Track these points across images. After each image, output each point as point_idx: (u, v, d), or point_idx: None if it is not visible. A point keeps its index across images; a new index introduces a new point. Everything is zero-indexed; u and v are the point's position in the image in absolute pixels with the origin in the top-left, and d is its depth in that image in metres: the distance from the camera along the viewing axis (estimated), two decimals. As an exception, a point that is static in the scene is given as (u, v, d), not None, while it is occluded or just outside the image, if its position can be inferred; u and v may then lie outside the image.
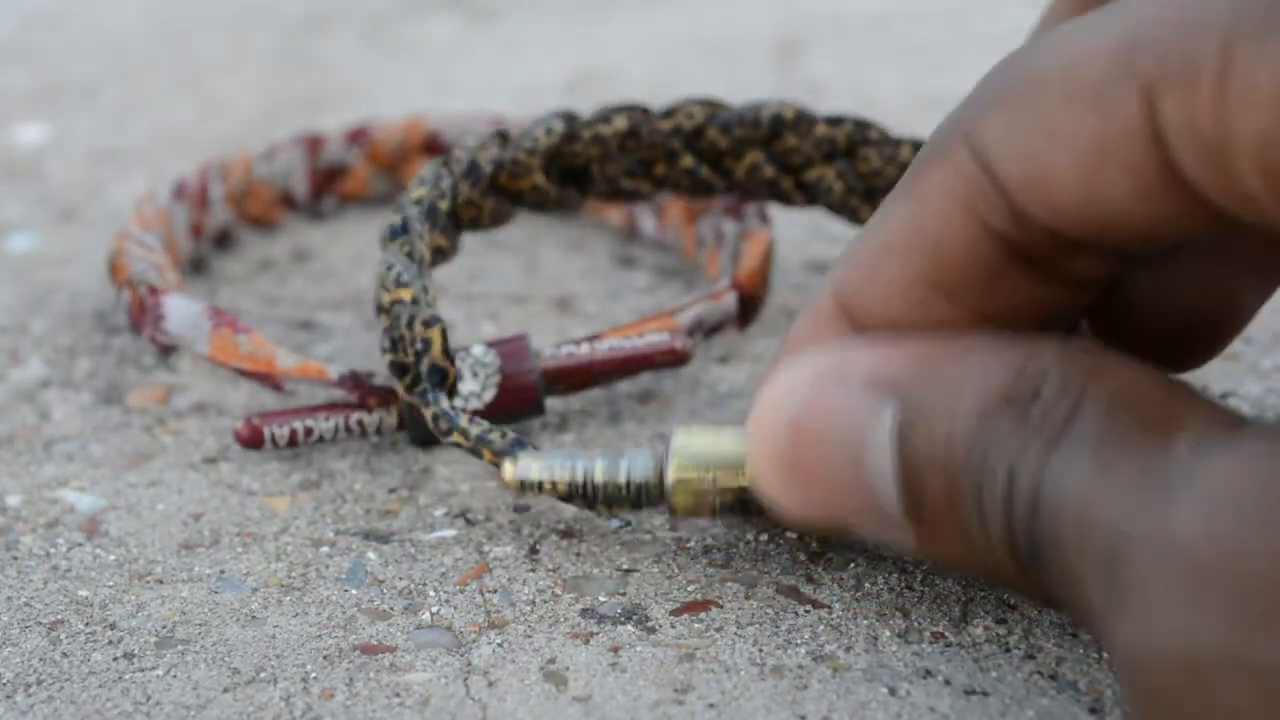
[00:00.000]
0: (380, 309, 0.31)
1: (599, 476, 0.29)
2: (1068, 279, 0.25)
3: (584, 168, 0.35)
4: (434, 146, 0.44)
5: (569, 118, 0.35)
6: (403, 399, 0.32)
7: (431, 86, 0.56)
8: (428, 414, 0.31)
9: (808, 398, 0.25)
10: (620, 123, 0.35)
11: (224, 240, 0.43)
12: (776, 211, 0.39)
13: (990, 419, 0.23)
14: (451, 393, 0.31)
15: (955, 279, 0.25)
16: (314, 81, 0.56)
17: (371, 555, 0.31)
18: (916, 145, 0.36)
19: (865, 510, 0.25)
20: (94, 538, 0.31)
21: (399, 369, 0.31)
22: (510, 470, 0.30)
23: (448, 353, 0.31)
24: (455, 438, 0.30)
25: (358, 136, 0.44)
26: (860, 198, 0.37)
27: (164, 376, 0.37)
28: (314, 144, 0.44)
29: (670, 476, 0.28)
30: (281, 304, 0.40)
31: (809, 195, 0.37)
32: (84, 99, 0.55)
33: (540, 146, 0.34)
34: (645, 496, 0.29)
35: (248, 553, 0.31)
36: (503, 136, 0.35)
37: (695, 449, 0.28)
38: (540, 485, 0.29)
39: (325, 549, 0.31)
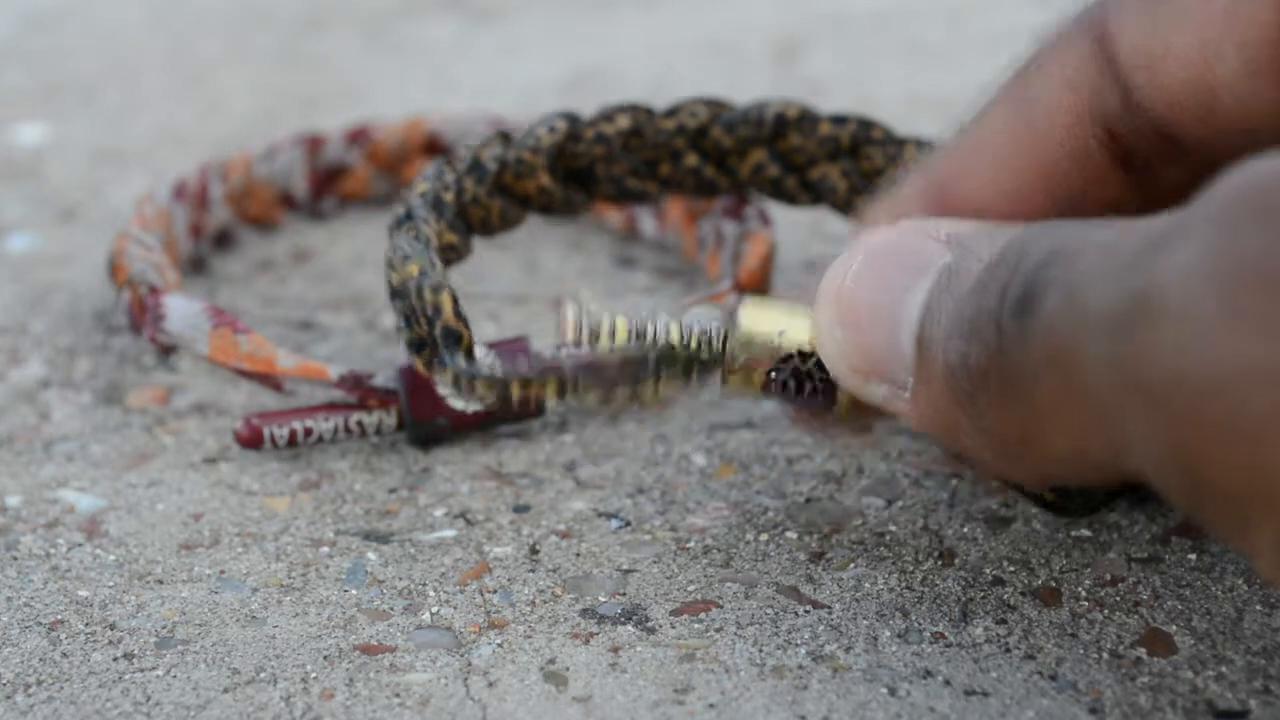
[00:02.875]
0: (393, 293, 0.31)
1: (661, 327, 0.28)
2: (1161, 191, 0.25)
3: (589, 168, 0.35)
4: (434, 147, 0.44)
5: (571, 117, 0.35)
6: (404, 404, 0.32)
7: (431, 86, 0.56)
8: (447, 377, 0.30)
9: (889, 237, 0.25)
10: (623, 122, 0.35)
11: (224, 240, 0.43)
12: (777, 212, 0.39)
13: (1032, 232, 0.23)
14: (469, 356, 0.30)
15: (1056, 170, 0.25)
16: (314, 81, 0.56)
17: (371, 555, 0.31)
18: (920, 144, 0.36)
19: (887, 356, 0.25)
20: (94, 538, 0.31)
21: (416, 345, 0.31)
22: (572, 312, 0.29)
23: (460, 315, 0.30)
24: (481, 389, 0.29)
25: (358, 136, 0.44)
26: (865, 197, 0.37)
27: (164, 376, 0.37)
28: (314, 144, 0.44)
29: (742, 325, 0.28)
30: (281, 304, 0.40)
31: (813, 194, 0.37)
32: (84, 99, 0.55)
33: (543, 145, 0.34)
34: (706, 354, 0.28)
35: (248, 553, 0.31)
36: (505, 136, 0.34)
37: (765, 310, 0.28)
38: (597, 334, 0.28)
39: (325, 549, 0.31)
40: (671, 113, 0.36)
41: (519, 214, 0.35)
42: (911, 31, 0.60)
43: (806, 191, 0.37)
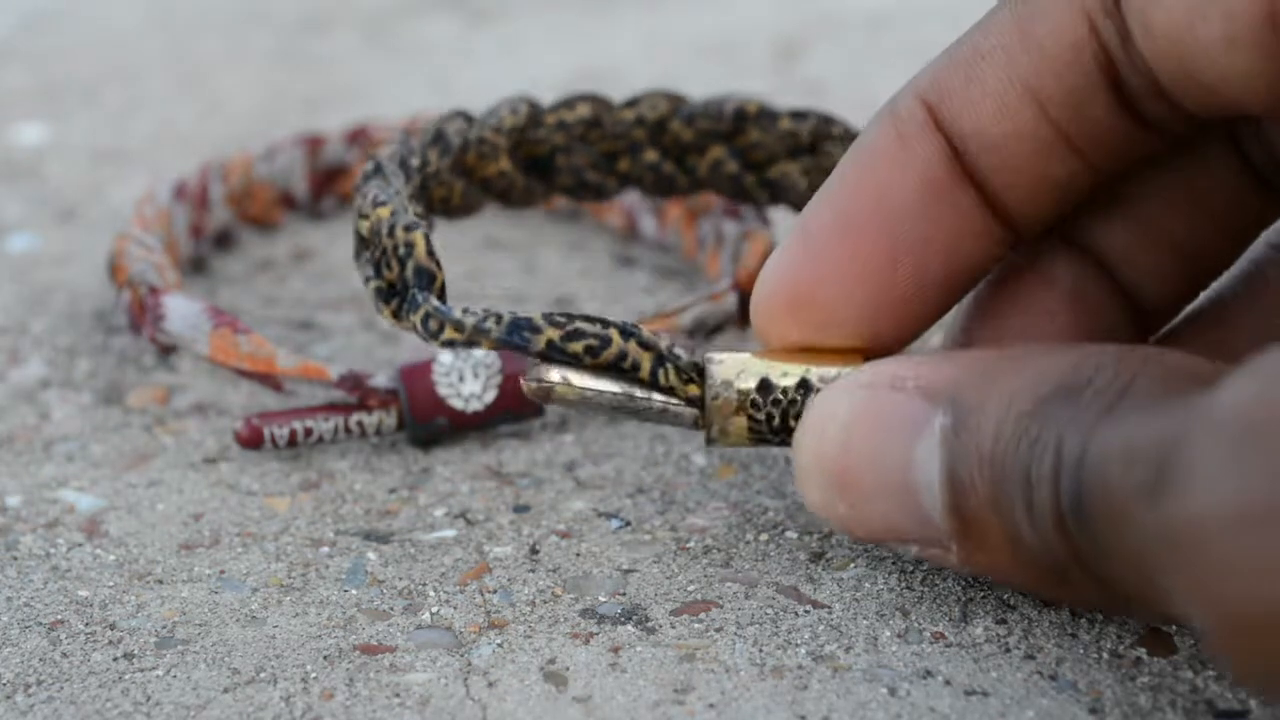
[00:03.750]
0: (361, 243, 0.30)
1: (634, 372, 0.28)
2: (1153, 125, 0.25)
3: (549, 157, 0.35)
4: None
5: (532, 101, 0.35)
6: (400, 391, 0.32)
7: (431, 86, 0.56)
8: (416, 318, 0.29)
9: (858, 406, 0.25)
10: (583, 110, 0.35)
11: (224, 240, 0.43)
12: (776, 212, 0.39)
13: (1043, 403, 0.23)
14: (441, 297, 0.29)
15: (1052, 88, 0.25)
16: (314, 81, 0.56)
17: (371, 555, 0.31)
18: None
19: (911, 523, 0.25)
20: (94, 538, 0.31)
21: (385, 293, 0.29)
22: (541, 379, 0.28)
23: (433, 254, 0.29)
24: (449, 333, 0.28)
25: (358, 136, 0.44)
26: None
27: (164, 376, 0.37)
28: (314, 144, 0.44)
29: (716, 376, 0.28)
30: (281, 304, 0.40)
31: (772, 192, 0.36)
32: (84, 99, 0.55)
33: (505, 126, 0.34)
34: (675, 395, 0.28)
35: (248, 553, 0.31)
36: (466, 116, 0.34)
37: (740, 357, 0.28)
38: (565, 394, 0.28)
39: (325, 549, 0.31)
40: (631, 103, 0.35)
41: (479, 198, 0.34)
42: (911, 31, 0.60)
43: (766, 189, 0.36)
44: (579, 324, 0.28)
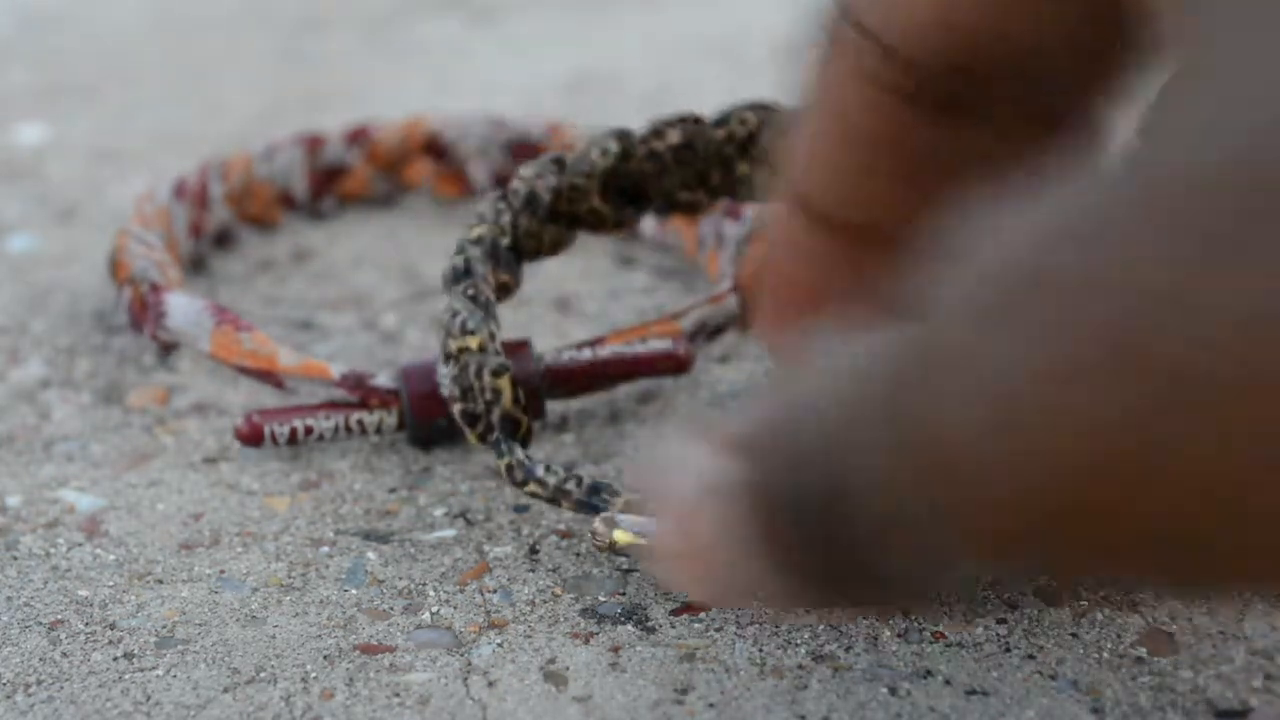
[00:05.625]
0: (447, 356, 0.31)
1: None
2: (990, 121, 0.25)
3: (639, 185, 0.35)
4: (434, 147, 0.44)
5: (623, 135, 0.34)
6: (405, 406, 0.32)
7: (431, 86, 0.56)
8: (502, 465, 0.30)
9: (682, 514, 0.25)
10: (674, 136, 0.34)
11: (224, 240, 0.43)
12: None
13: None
14: (525, 442, 0.31)
15: (872, 151, 0.25)
16: (314, 81, 0.56)
17: (371, 555, 0.31)
18: None
19: (745, 590, 0.24)
20: (94, 538, 0.31)
21: (469, 418, 0.31)
22: (603, 533, 0.29)
23: (519, 400, 0.31)
24: (532, 488, 0.30)
25: (358, 136, 0.44)
26: None
27: (164, 376, 0.37)
28: (314, 144, 0.44)
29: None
30: (281, 304, 0.40)
31: None
32: (84, 99, 0.55)
33: (598, 170, 0.34)
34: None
35: (248, 553, 0.31)
36: (558, 162, 0.34)
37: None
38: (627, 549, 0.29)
39: (325, 549, 0.31)
40: (722, 121, 0.35)
41: (568, 236, 0.34)
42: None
43: None
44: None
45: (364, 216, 0.45)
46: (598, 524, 0.29)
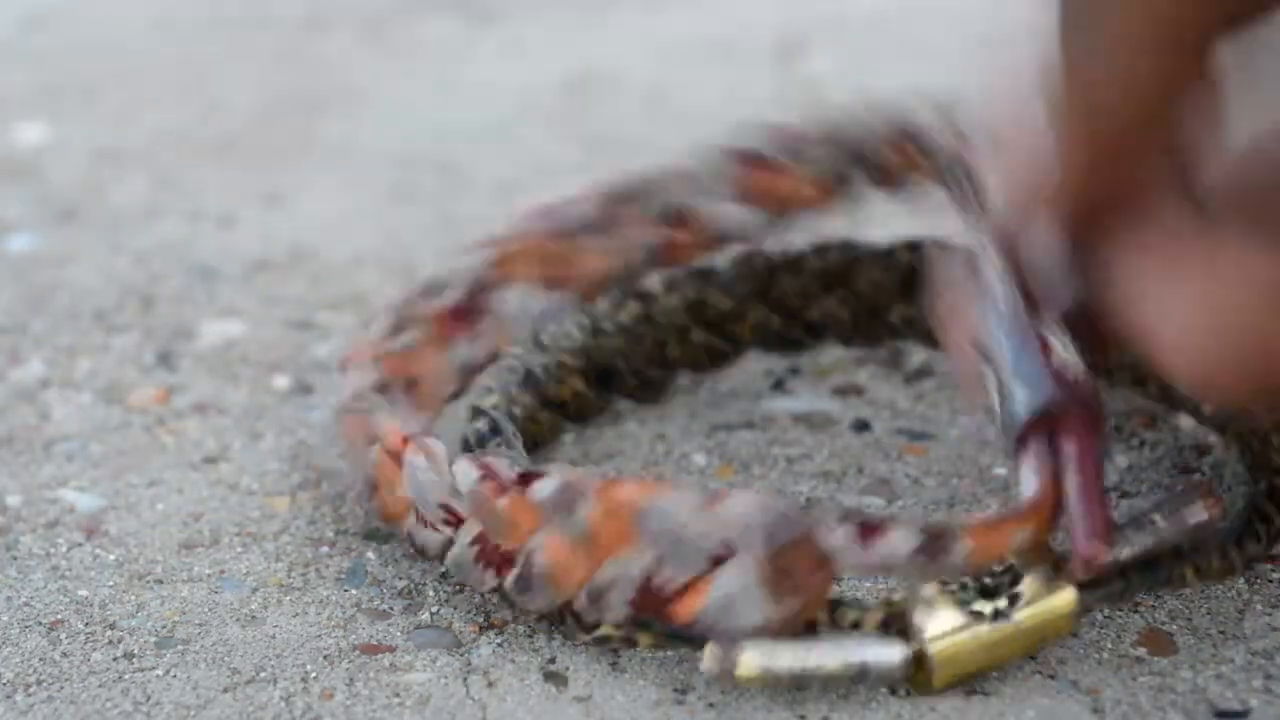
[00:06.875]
0: None
1: (830, 664, 0.26)
2: None
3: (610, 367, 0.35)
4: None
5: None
6: None
7: (431, 86, 0.56)
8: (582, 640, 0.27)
9: None
10: (633, 309, 0.34)
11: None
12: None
13: None
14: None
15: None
16: (314, 81, 0.56)
17: (371, 555, 0.31)
18: (909, 246, 0.35)
19: None
20: (94, 538, 0.31)
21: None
22: (720, 663, 0.26)
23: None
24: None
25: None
26: (865, 317, 0.36)
27: (164, 376, 0.37)
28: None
29: (934, 649, 0.26)
30: (282, 304, 0.40)
31: (814, 334, 0.36)
32: (84, 99, 0.55)
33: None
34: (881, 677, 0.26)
35: (248, 553, 0.31)
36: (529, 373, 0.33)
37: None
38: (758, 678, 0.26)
39: (325, 549, 0.31)
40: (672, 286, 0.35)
41: (561, 423, 0.34)
42: (911, 32, 0.60)
43: (809, 332, 0.36)
44: None
45: (363, 214, 0.45)
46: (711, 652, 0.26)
